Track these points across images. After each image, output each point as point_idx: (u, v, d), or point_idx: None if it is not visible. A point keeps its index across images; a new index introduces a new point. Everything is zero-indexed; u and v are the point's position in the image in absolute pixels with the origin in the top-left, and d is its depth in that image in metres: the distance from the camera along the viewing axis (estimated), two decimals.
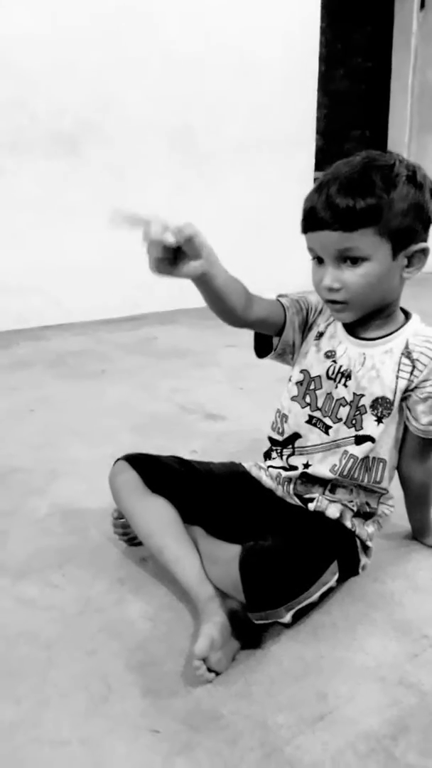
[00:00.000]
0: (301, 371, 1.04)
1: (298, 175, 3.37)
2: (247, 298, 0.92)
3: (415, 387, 0.97)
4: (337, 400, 1.00)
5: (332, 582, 0.95)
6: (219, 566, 0.95)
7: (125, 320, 2.96)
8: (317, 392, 1.02)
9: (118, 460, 1.10)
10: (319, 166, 3.62)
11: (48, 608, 1.01)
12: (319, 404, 1.02)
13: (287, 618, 0.89)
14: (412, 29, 4.02)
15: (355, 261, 0.89)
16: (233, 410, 1.87)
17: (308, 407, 1.03)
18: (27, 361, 2.35)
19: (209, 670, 0.85)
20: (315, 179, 3.54)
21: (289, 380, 1.06)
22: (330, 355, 1.01)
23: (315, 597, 0.93)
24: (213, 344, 2.47)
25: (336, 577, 0.96)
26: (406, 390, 0.98)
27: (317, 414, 1.02)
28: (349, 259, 0.89)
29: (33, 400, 1.95)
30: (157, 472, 1.07)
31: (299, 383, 1.04)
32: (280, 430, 1.07)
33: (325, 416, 1.02)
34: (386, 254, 0.90)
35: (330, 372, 1.01)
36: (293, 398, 1.05)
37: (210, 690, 0.85)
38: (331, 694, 0.84)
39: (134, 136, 2.92)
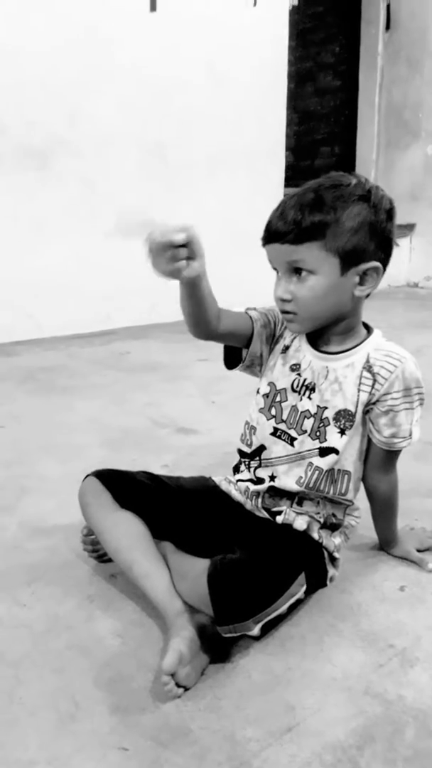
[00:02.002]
0: (269, 384, 1.06)
1: (268, 191, 3.42)
2: (218, 310, 0.97)
3: (377, 400, 0.99)
4: (301, 412, 1.02)
5: (300, 594, 0.97)
6: (188, 581, 0.95)
7: (97, 335, 2.96)
8: (283, 404, 1.04)
9: (88, 476, 1.11)
10: (289, 182, 3.67)
11: (16, 626, 1.00)
12: (284, 416, 1.04)
13: (256, 630, 0.90)
14: (377, 49, 4.12)
15: (304, 273, 0.93)
16: (205, 424, 1.88)
17: (273, 419, 1.05)
18: None
19: (178, 685, 0.85)
20: (285, 195, 3.60)
21: (257, 392, 1.08)
22: (295, 368, 1.03)
23: (283, 609, 0.94)
24: (185, 358, 2.48)
25: (304, 588, 0.97)
26: (368, 403, 1.00)
27: (282, 426, 1.04)
28: (298, 272, 0.93)
29: (3, 416, 1.94)
30: (127, 488, 1.07)
31: (266, 395, 1.06)
32: (249, 442, 1.08)
33: (290, 428, 1.03)
34: (333, 270, 0.93)
35: (295, 385, 1.03)
36: (260, 410, 1.07)
37: (179, 705, 0.85)
38: (299, 706, 0.85)
39: (105, 150, 2.94)
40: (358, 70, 4.26)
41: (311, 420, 1.02)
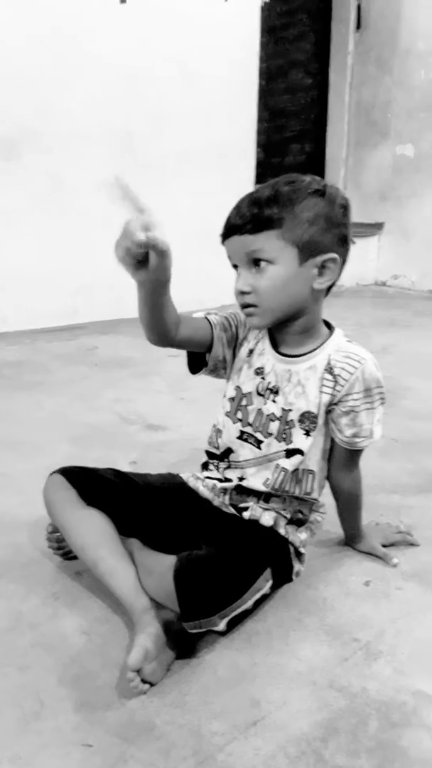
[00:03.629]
0: (235, 387, 1.06)
1: (238, 187, 3.39)
2: (177, 318, 0.96)
3: (338, 401, 1.00)
4: (267, 415, 1.03)
5: (266, 589, 0.97)
6: (154, 577, 0.95)
7: (64, 329, 2.92)
8: (248, 408, 1.05)
9: (53, 473, 1.09)
10: (259, 179, 3.68)
11: None
12: (251, 420, 1.04)
13: (222, 626, 0.90)
14: (348, 48, 4.15)
15: (263, 265, 0.93)
16: (174, 420, 1.87)
17: (240, 423, 1.05)
18: None
19: (143, 681, 0.85)
20: None
21: (224, 396, 1.08)
22: (259, 371, 1.04)
23: (249, 604, 0.94)
24: (155, 354, 2.44)
25: (269, 583, 0.98)
26: (330, 404, 1.01)
27: (248, 429, 1.05)
28: (257, 263, 0.94)
29: None
30: (93, 485, 1.07)
31: (232, 399, 1.06)
32: (216, 445, 1.09)
33: (256, 431, 1.04)
34: (292, 260, 0.93)
35: (260, 388, 1.04)
36: (227, 414, 1.07)
37: (144, 701, 0.85)
38: (264, 700, 0.86)
39: (73, 143, 2.90)
40: (329, 69, 4.28)
41: (276, 423, 1.02)
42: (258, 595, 0.95)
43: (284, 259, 0.93)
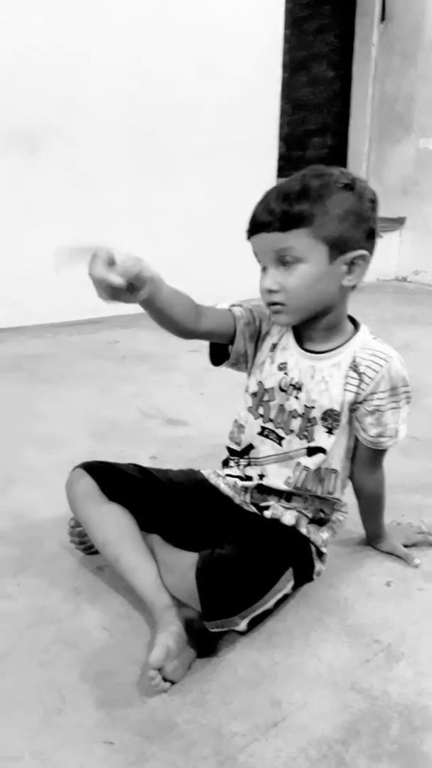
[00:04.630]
0: (257, 382, 1.05)
1: (260, 181, 3.38)
2: (194, 309, 0.94)
3: (363, 400, 0.99)
4: (289, 412, 1.02)
5: (287, 589, 0.97)
6: (175, 575, 0.95)
7: (85, 323, 2.93)
8: (270, 404, 1.04)
9: (76, 467, 1.10)
10: (281, 172, 3.65)
11: (1, 618, 0.99)
12: (272, 416, 1.04)
13: (243, 626, 0.90)
14: (372, 40, 4.09)
15: (292, 263, 0.92)
16: (194, 415, 1.87)
17: (261, 418, 1.05)
18: None
19: (165, 679, 0.86)
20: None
21: (246, 390, 1.07)
22: (282, 367, 1.03)
23: (270, 604, 0.94)
24: (174, 349, 2.46)
25: (291, 584, 0.97)
26: (354, 402, 1.00)
27: (269, 425, 1.04)
28: (286, 261, 0.92)
29: None
30: (115, 480, 1.07)
31: (254, 394, 1.06)
32: (238, 440, 1.08)
33: (277, 427, 1.03)
34: (322, 257, 0.92)
35: (282, 384, 1.03)
36: (249, 409, 1.06)
37: (165, 699, 0.85)
38: (285, 700, 0.86)
39: (96, 138, 2.90)
40: (352, 61, 4.23)
41: (298, 420, 1.01)
42: (279, 595, 0.95)
43: (314, 257, 0.91)
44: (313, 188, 0.90)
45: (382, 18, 4.05)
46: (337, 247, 0.92)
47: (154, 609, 0.94)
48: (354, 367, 0.99)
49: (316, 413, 1.00)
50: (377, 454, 1.05)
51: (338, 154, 4.40)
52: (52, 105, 2.76)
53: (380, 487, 1.10)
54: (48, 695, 0.85)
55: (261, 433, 1.05)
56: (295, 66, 4.24)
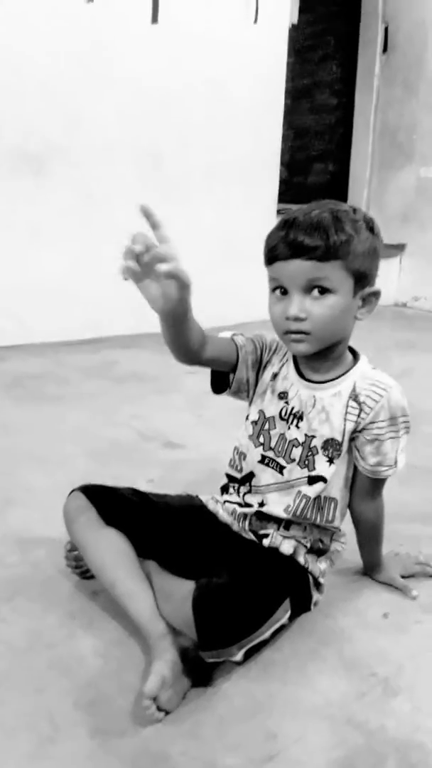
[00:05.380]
0: (258, 411, 1.06)
1: (262, 204, 3.44)
2: (202, 335, 0.95)
3: (363, 429, 1.00)
4: (290, 441, 1.02)
5: (284, 619, 0.96)
6: (172, 603, 0.94)
7: (86, 342, 2.94)
8: (271, 432, 1.04)
9: (73, 490, 1.10)
10: (283, 197, 3.70)
11: None
12: (272, 444, 1.04)
13: (239, 656, 0.90)
14: (374, 71, 4.16)
15: (323, 292, 0.92)
16: (193, 439, 1.87)
17: (261, 447, 1.05)
18: None
19: (159, 708, 0.85)
20: (278, 210, 3.61)
21: (247, 419, 1.08)
22: (283, 396, 1.04)
23: (267, 635, 0.93)
24: (175, 370, 2.44)
25: (288, 614, 0.97)
26: (354, 431, 1.00)
27: (270, 454, 1.04)
28: (317, 289, 0.92)
29: None
30: (112, 505, 1.06)
31: (255, 422, 1.06)
32: (239, 468, 1.08)
33: (278, 456, 1.03)
34: (349, 290, 0.94)
35: (283, 413, 1.03)
36: (249, 437, 1.06)
37: (159, 729, 0.84)
38: (281, 733, 0.85)
39: (102, 159, 2.94)
40: (354, 90, 4.30)
41: (299, 448, 1.02)
42: (276, 626, 0.95)
43: (344, 290, 0.93)
44: (347, 222, 0.91)
45: (385, 49, 4.13)
46: (360, 282, 0.94)
47: (150, 637, 0.93)
48: (354, 396, 1.00)
49: (317, 442, 1.01)
50: (376, 483, 1.06)
51: (340, 181, 4.46)
52: (58, 125, 2.80)
53: (379, 517, 1.10)
54: (41, 723, 0.84)
55: (262, 462, 1.05)
56: (298, 93, 4.30)
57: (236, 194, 3.37)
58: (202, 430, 1.95)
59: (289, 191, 4.12)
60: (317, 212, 0.92)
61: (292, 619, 1.00)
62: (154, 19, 2.90)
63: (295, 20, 3.54)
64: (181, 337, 0.91)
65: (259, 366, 1.06)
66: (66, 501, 1.09)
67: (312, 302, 0.93)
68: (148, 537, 1.06)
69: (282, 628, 0.98)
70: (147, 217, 0.82)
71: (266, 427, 1.04)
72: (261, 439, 1.05)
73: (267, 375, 1.06)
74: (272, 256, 0.94)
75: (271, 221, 3.54)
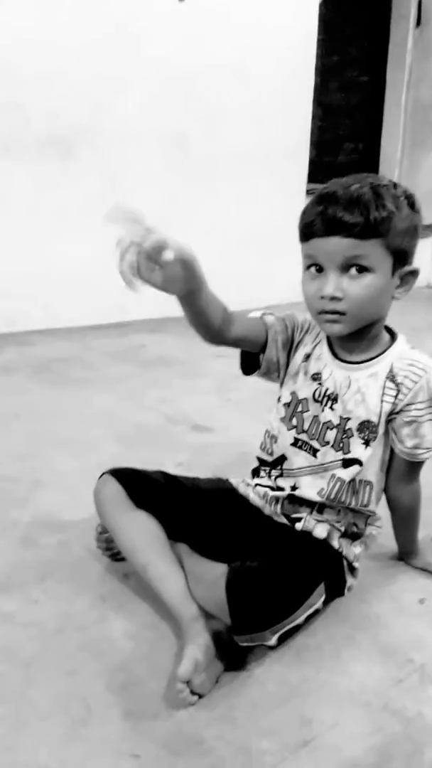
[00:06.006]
0: (290, 393, 1.03)
1: (291, 186, 3.38)
2: (227, 315, 0.93)
3: (400, 410, 0.97)
4: (324, 423, 1.00)
5: (318, 604, 0.94)
6: (204, 586, 0.93)
7: (113, 327, 2.94)
8: (304, 415, 1.02)
9: (104, 473, 1.09)
10: (311, 178, 3.63)
11: (27, 624, 0.99)
12: (306, 427, 1.01)
13: (273, 641, 0.88)
14: (407, 46, 4.04)
15: (361, 271, 0.89)
16: (220, 422, 1.85)
17: (294, 429, 1.02)
18: (11, 367, 2.32)
19: (192, 692, 0.84)
20: (308, 191, 3.55)
21: (278, 401, 1.05)
22: (316, 377, 1.01)
23: (301, 620, 0.92)
24: (201, 354, 2.44)
25: (322, 599, 0.95)
26: (391, 413, 0.97)
27: (303, 437, 1.02)
28: (355, 268, 0.89)
29: (17, 407, 1.93)
30: (143, 487, 1.05)
31: (287, 405, 1.03)
32: (270, 451, 1.06)
33: (312, 439, 1.01)
34: (388, 269, 0.90)
35: (316, 395, 1.01)
36: (281, 419, 1.04)
37: (192, 713, 0.83)
38: (316, 719, 0.83)
39: (128, 143, 2.91)
40: (385, 66, 4.18)
41: (334, 431, 0.99)
42: (311, 611, 0.93)
43: (383, 269, 0.90)
44: (388, 198, 0.88)
45: (418, 22, 4.00)
46: (399, 261, 0.91)
47: (182, 620, 0.92)
48: (391, 377, 0.96)
49: (352, 424, 0.98)
50: (413, 467, 1.02)
51: (370, 160, 4.36)
52: (86, 110, 2.78)
53: (416, 501, 1.07)
54: (74, 705, 0.84)
55: (294, 444, 1.02)
56: (327, 71, 4.20)
57: (265, 176, 3.31)
58: (229, 413, 1.93)
59: (317, 171, 4.04)
60: (356, 186, 0.88)
61: (326, 603, 0.98)
62: None
63: None
64: (202, 315, 0.89)
65: (291, 346, 1.03)
66: (96, 484, 1.08)
67: (349, 281, 0.89)
68: (179, 520, 1.04)
69: (316, 612, 0.96)
70: (125, 220, 0.79)
71: (299, 409, 1.02)
72: (294, 422, 1.02)
73: (299, 355, 1.03)
74: (309, 232, 0.90)
75: (301, 203, 3.48)
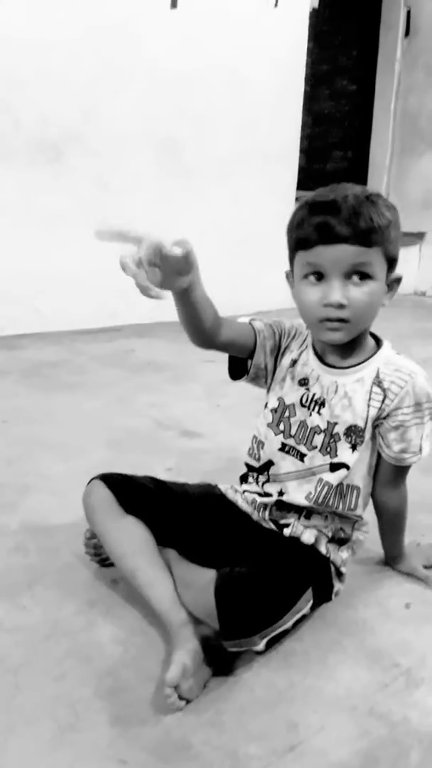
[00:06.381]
0: (277, 399, 1.04)
1: (280, 192, 3.41)
2: (218, 319, 0.94)
3: (387, 415, 0.98)
4: (311, 428, 1.01)
5: (306, 609, 0.95)
6: (193, 591, 0.93)
7: (102, 331, 2.94)
8: (291, 420, 1.03)
9: (93, 478, 1.09)
10: (300, 185, 3.65)
11: (15, 630, 0.98)
12: (293, 432, 1.02)
13: (261, 646, 0.89)
14: (396, 55, 4.09)
15: (363, 278, 0.90)
16: (210, 427, 1.86)
17: (281, 434, 1.03)
18: (0, 370, 2.31)
19: (180, 697, 0.84)
20: (297, 198, 3.57)
21: (265, 407, 1.06)
22: (303, 382, 1.02)
23: (289, 624, 0.92)
24: (191, 359, 2.45)
25: (310, 604, 0.96)
26: (378, 418, 0.98)
27: (290, 441, 1.03)
28: (358, 275, 0.90)
29: (6, 411, 1.92)
30: (132, 493, 1.06)
31: (274, 410, 1.04)
32: (257, 456, 1.07)
33: (299, 443, 1.02)
34: (384, 276, 0.93)
35: (304, 400, 1.01)
36: (268, 425, 1.05)
37: (180, 718, 0.83)
38: (302, 724, 0.84)
39: (119, 147, 2.92)
40: (374, 75, 4.23)
41: (321, 435, 1.00)
42: (298, 615, 0.93)
43: (381, 276, 0.91)
44: (383, 207, 0.89)
45: (407, 33, 4.05)
46: (390, 267, 0.93)
47: (171, 625, 0.93)
48: (378, 382, 0.98)
49: (339, 429, 0.99)
50: (400, 471, 1.04)
51: (359, 168, 4.40)
52: (76, 113, 2.79)
53: (403, 505, 1.08)
54: (61, 710, 0.84)
55: (282, 449, 1.03)
56: (317, 79, 4.24)
57: (255, 182, 3.33)
58: (219, 418, 1.94)
59: (307, 179, 4.07)
60: (353, 194, 0.89)
61: (313, 608, 0.99)
62: (174, 4, 2.86)
63: (316, 4, 3.48)
64: (196, 313, 0.89)
65: (278, 352, 1.04)
66: (86, 489, 1.09)
67: (353, 288, 0.90)
68: (168, 525, 1.05)
69: (303, 617, 0.96)
70: (112, 237, 0.79)
71: (286, 414, 1.03)
72: (281, 427, 1.03)
73: (286, 361, 1.04)
74: (311, 240, 0.90)
75: (290, 209, 3.49)
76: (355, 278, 0.90)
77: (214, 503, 1.10)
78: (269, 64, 3.26)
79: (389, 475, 1.04)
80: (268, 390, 1.07)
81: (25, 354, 2.55)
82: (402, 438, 0.99)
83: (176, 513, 1.06)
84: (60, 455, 1.62)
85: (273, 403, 1.05)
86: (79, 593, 1.08)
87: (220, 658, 0.91)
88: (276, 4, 3.15)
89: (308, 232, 0.90)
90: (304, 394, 1.02)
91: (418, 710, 0.87)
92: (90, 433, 1.78)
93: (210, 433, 1.82)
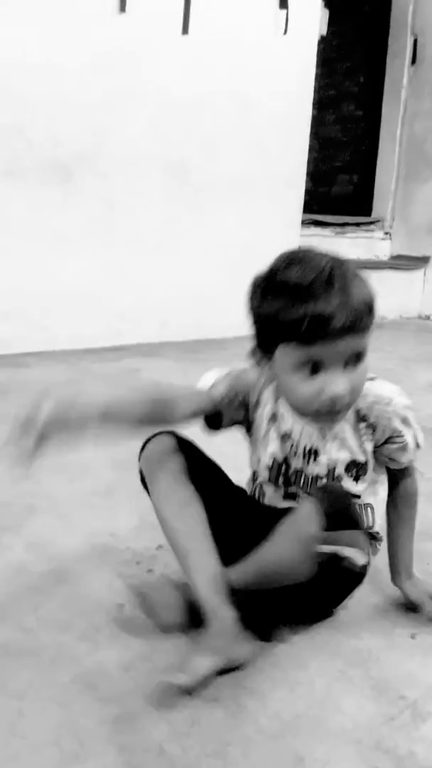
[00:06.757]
0: (270, 455, 1.05)
1: (287, 215, 3.44)
2: (161, 404, 0.96)
3: (385, 442, 1.00)
4: (312, 477, 1.03)
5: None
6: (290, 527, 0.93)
7: (109, 350, 2.95)
8: (289, 472, 1.04)
9: (161, 433, 1.07)
10: (306, 208, 3.69)
11: (20, 654, 0.98)
12: (293, 481, 1.04)
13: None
14: (402, 82, 4.15)
15: (359, 358, 0.89)
16: (215, 447, 1.85)
17: (282, 488, 1.05)
18: (6, 389, 2.32)
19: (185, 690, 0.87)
20: (303, 221, 3.59)
21: (257, 464, 1.07)
22: (286, 437, 1.03)
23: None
24: (196, 378, 2.46)
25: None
26: (376, 447, 1.01)
27: (293, 489, 1.05)
28: (355, 358, 0.89)
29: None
30: (198, 460, 1.07)
31: (269, 468, 1.05)
32: (259, 498, 1.09)
33: (302, 489, 1.04)
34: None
35: (296, 452, 1.03)
36: (265, 483, 1.07)
37: (185, 748, 0.83)
38: (308, 756, 0.83)
39: (128, 169, 2.95)
40: (381, 102, 4.29)
41: (324, 480, 1.02)
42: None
43: (368, 348, 0.92)
44: (363, 280, 0.88)
45: (413, 60, 4.11)
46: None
47: (210, 613, 0.93)
48: (362, 417, 0.99)
49: (339, 469, 1.01)
50: (407, 470, 1.07)
51: (364, 192, 4.44)
52: (86, 134, 2.82)
53: (414, 486, 1.09)
54: (66, 738, 0.83)
55: (286, 497, 1.05)
56: (324, 104, 4.31)
57: (261, 206, 3.36)
58: (225, 439, 1.93)
59: (312, 201, 4.11)
60: (340, 274, 0.85)
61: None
62: (185, 30, 2.91)
63: (325, 32, 3.54)
64: (121, 427, 0.95)
65: (247, 407, 1.05)
66: (150, 444, 1.07)
67: (351, 374, 0.89)
68: (219, 509, 1.04)
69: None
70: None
71: (283, 470, 1.04)
72: (280, 482, 1.05)
73: (263, 415, 1.04)
74: (317, 335, 0.84)
75: (296, 233, 3.53)
76: (352, 362, 0.89)
77: (244, 496, 1.12)
78: (278, 90, 3.30)
79: (396, 478, 1.07)
80: (254, 443, 1.07)
81: (33, 373, 2.56)
82: (405, 449, 1.02)
83: (229, 497, 1.07)
84: (65, 475, 1.62)
85: (267, 460, 1.05)
86: (84, 617, 1.07)
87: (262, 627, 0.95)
88: (285, 32, 3.20)
89: (304, 327, 0.84)
90: (292, 447, 1.03)
91: (424, 745, 0.86)
92: (96, 454, 1.77)
93: (215, 453, 1.81)
